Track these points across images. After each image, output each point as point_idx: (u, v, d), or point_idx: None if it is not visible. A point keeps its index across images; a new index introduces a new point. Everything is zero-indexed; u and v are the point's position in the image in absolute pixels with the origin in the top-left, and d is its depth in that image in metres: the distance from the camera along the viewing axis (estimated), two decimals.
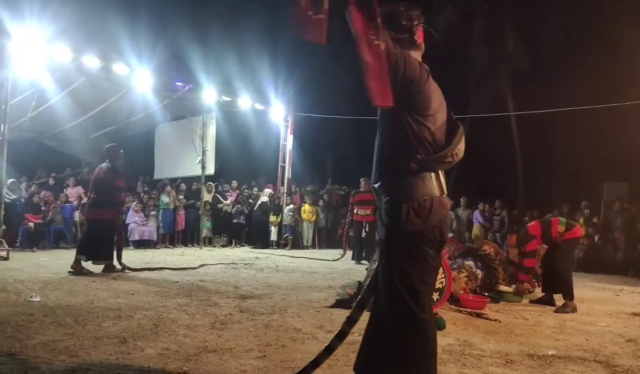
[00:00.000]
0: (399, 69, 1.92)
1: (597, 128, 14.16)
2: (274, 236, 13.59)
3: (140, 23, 15.00)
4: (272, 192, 14.01)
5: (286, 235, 13.46)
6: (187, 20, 17.54)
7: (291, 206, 13.75)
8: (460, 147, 2.13)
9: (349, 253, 10.56)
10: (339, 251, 10.83)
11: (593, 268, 10.20)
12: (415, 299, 2.05)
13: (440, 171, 2.12)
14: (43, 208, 10.70)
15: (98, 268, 6.88)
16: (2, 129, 8.84)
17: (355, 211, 9.28)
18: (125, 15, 13.69)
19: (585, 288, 7.43)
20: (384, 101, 1.90)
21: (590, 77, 14.33)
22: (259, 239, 13.60)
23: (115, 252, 7.13)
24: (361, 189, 9.31)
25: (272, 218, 13.44)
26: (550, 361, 3.33)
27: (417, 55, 2.11)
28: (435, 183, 2.09)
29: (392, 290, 2.08)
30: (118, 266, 7.02)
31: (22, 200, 10.69)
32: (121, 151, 7.36)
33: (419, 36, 2.12)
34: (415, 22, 2.08)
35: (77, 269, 6.60)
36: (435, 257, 2.13)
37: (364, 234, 9.21)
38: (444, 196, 2.13)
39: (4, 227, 8.69)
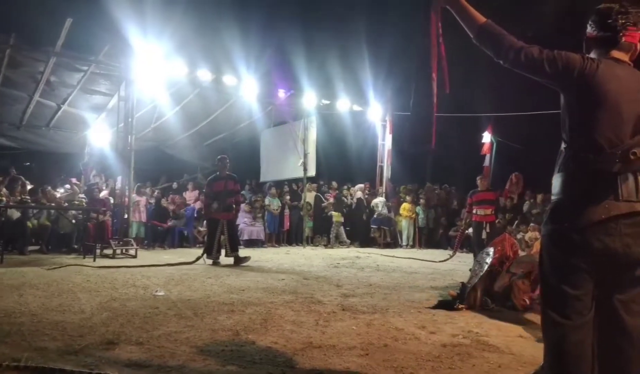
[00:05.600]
0: (548, 69, 1.96)
1: None
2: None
3: (249, 33, 15.79)
4: (363, 189, 14.11)
5: (374, 227, 13.41)
6: (289, 28, 18.16)
7: (382, 198, 13.72)
8: None
9: (458, 255, 10.26)
10: (443, 252, 10.55)
11: None
12: (551, 299, 2.01)
13: (629, 173, 1.89)
14: (172, 208, 11.66)
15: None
16: (129, 140, 9.91)
17: (474, 211, 8.93)
18: (234, 26, 14.44)
19: None
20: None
21: None
22: (359, 238, 13.75)
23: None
24: (479, 189, 8.94)
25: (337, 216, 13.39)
26: None
27: (620, 55, 2.03)
28: (600, 183, 1.91)
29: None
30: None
31: (152, 204, 11.78)
32: (226, 160, 8.43)
33: (628, 36, 2.03)
34: (622, 22, 2.01)
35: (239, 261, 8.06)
36: (596, 270, 1.94)
37: (484, 235, 8.81)
38: (620, 201, 1.88)
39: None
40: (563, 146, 2.05)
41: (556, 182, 2.05)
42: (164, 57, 9.97)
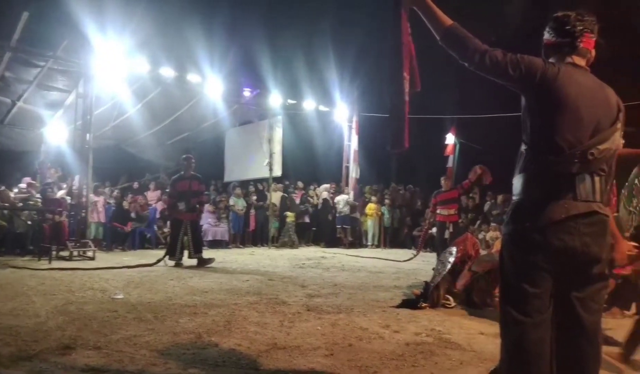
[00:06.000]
0: (512, 72, 2.00)
1: None
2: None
3: (213, 32, 15.57)
4: (329, 189, 14.18)
5: (339, 227, 13.48)
6: (254, 27, 18.03)
7: (345, 196, 13.82)
8: (602, 146, 1.97)
9: (422, 254, 10.41)
10: (407, 251, 10.69)
11: None
12: (511, 297, 2.05)
13: (583, 173, 1.97)
14: (132, 214, 11.35)
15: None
16: (87, 138, 9.60)
17: (437, 211, 9.08)
18: (198, 25, 14.22)
19: None
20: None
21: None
22: (324, 238, 13.78)
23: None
24: (443, 189, 9.09)
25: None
26: None
27: (578, 60, 2.10)
28: (561, 184, 1.97)
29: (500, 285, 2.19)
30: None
31: (112, 206, 11.42)
32: (192, 160, 8.32)
33: (585, 42, 2.11)
34: (580, 28, 2.09)
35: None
36: (555, 268, 1.99)
37: (447, 235, 8.98)
38: (578, 201, 1.95)
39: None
40: (523, 147, 2.10)
41: (517, 183, 2.10)
42: (125, 53, 9.71)
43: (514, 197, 2.11)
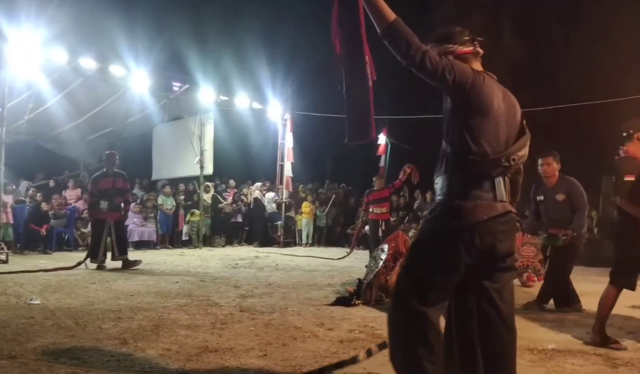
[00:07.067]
0: (447, 76, 2.06)
1: (594, 122, 14.17)
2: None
3: (137, 24, 14.92)
4: (261, 188, 14.10)
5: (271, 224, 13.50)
6: (183, 20, 17.47)
7: (272, 193, 13.81)
8: (519, 153, 2.15)
9: (355, 252, 10.55)
10: (341, 249, 10.81)
11: (592, 262, 10.21)
12: (420, 291, 2.09)
13: (501, 176, 2.14)
14: (51, 209, 10.63)
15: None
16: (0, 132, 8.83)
17: (370, 210, 9.25)
18: (121, 17, 13.60)
19: (585, 281, 7.43)
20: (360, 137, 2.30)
21: (586, 71, 14.32)
22: (258, 237, 13.65)
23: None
24: (375, 188, 9.27)
25: None
26: (551, 355, 3.34)
27: (477, 65, 2.23)
28: (486, 186, 2.10)
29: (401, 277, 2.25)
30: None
31: (27, 206, 10.62)
32: (115, 156, 8.00)
33: (480, 50, 2.27)
34: (474, 37, 2.26)
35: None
36: (472, 262, 2.09)
37: (380, 233, 9.17)
38: (497, 201, 2.11)
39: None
40: (448, 148, 2.17)
41: (442, 182, 2.18)
42: (41, 42, 9.03)
43: (438, 197, 2.19)
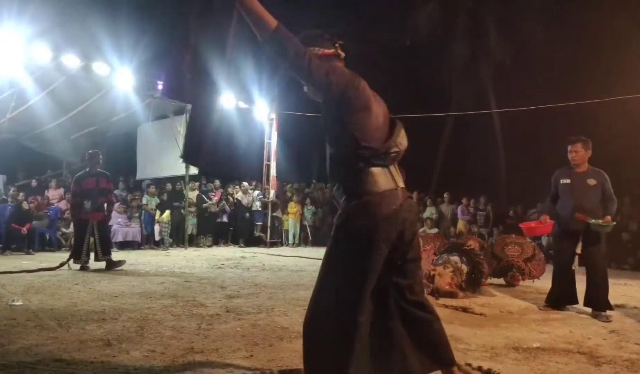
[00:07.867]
0: (331, 80, 2.12)
1: (582, 124, 14.35)
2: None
3: (121, 22, 14.77)
4: (247, 187, 14.07)
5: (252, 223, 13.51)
6: (168, 19, 17.31)
7: (257, 192, 13.78)
8: (401, 140, 2.23)
9: None
10: None
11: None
12: (356, 300, 2.07)
13: (392, 165, 2.20)
14: (32, 208, 10.45)
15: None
16: None
17: None
18: (105, 15, 13.47)
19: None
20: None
21: (575, 72, 14.50)
22: (243, 237, 13.59)
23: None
24: None
25: None
26: (535, 354, 3.37)
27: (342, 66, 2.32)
28: (385, 177, 2.15)
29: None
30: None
31: (9, 205, 10.42)
32: (99, 156, 7.86)
33: (341, 51, 2.36)
34: (335, 40, 2.34)
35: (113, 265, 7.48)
36: (391, 254, 2.13)
37: None
38: (398, 189, 2.17)
39: None
40: (342, 151, 2.19)
41: (343, 185, 2.19)
42: (24, 41, 8.86)
43: (343, 201, 2.19)
